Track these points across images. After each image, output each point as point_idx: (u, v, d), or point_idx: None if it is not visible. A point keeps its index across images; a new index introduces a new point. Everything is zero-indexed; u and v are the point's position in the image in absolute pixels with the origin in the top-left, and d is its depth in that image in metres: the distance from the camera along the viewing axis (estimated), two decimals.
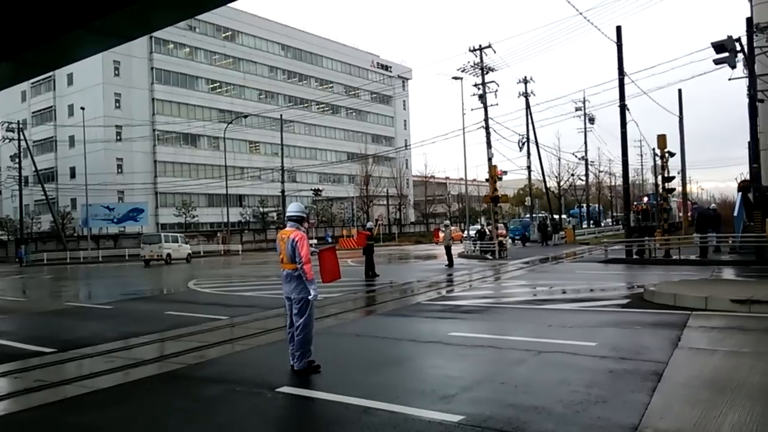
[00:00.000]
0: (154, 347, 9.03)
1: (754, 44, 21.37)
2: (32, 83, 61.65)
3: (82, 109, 49.52)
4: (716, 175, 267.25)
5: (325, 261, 7.25)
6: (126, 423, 5.35)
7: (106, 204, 53.75)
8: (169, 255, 35.79)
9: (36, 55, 10.30)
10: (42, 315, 13.66)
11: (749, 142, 22.50)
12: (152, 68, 62.67)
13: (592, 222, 64.27)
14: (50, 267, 38.66)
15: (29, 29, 9.11)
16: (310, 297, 6.63)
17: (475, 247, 31.38)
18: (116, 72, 59.39)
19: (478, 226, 39.89)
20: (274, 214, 64.25)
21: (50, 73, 55.79)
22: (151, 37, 59.66)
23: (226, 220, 54.46)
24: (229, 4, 9.82)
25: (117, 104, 59.70)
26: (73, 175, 58.29)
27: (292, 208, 7.03)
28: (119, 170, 59.94)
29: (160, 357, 8.27)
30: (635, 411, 4.93)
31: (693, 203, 56.58)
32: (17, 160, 47.37)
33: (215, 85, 68.99)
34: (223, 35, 69.36)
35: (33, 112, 65.55)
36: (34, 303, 16.51)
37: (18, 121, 49.51)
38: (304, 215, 7.14)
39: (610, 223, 70.40)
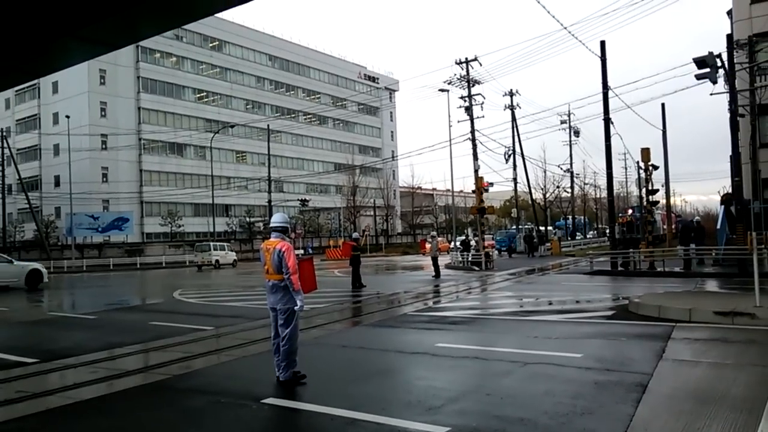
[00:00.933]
0: (138, 358, 8.95)
1: (735, 60, 21.73)
2: (16, 91, 61.18)
3: (67, 117, 49.12)
4: (699, 189, 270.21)
5: (303, 272, 7.25)
6: None
7: (91, 213, 53.31)
8: (217, 261, 40.00)
9: (21, 63, 10.23)
10: (24, 325, 13.47)
11: (731, 156, 22.82)
12: (138, 77, 62.47)
13: (578, 234, 64.68)
14: None
15: (14, 37, 9.05)
16: (296, 307, 6.62)
17: (462, 258, 31.47)
18: (102, 80, 59.13)
19: (464, 237, 39.92)
20: (261, 224, 64.01)
21: (35, 81, 55.42)
22: (137, 46, 59.55)
23: (212, 229, 54.15)
24: (217, 14, 9.84)
25: (102, 113, 59.38)
26: (57, 183, 57.77)
27: (276, 219, 7.02)
28: (104, 179, 59.52)
29: (145, 368, 8.20)
30: (620, 422, 4.96)
31: (677, 216, 57.12)
32: (0, 168, 46.88)
33: (202, 94, 68.87)
34: (211, 45, 69.34)
35: (17, 120, 64.96)
36: (16, 312, 16.26)
37: (2, 129, 49.00)
38: (288, 225, 7.12)
39: (595, 235, 70.85)
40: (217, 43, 69.72)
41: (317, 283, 7.56)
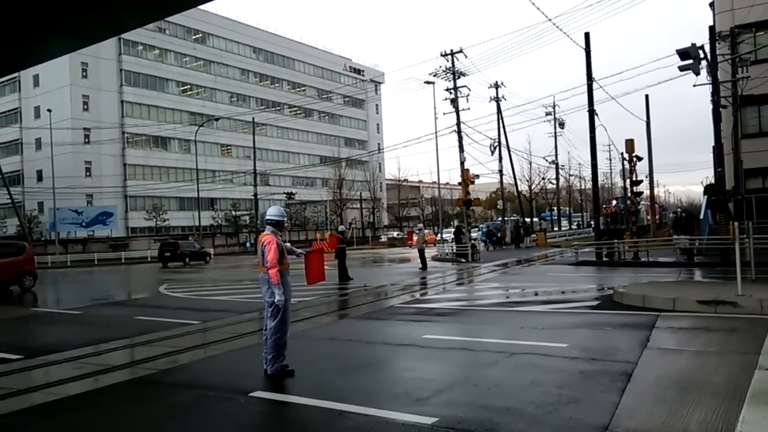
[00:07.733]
0: (124, 353, 8.90)
1: (717, 52, 21.88)
2: None
3: (49, 111, 48.51)
4: (680, 179, 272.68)
5: (311, 263, 7.29)
6: (95, 430, 5.27)
7: (75, 208, 52.72)
8: None
9: (2, 56, 10.09)
10: (7, 321, 13.34)
11: (714, 147, 23.02)
12: (121, 70, 61.74)
13: (564, 225, 65.03)
14: None
15: None
16: (275, 301, 6.58)
17: (451, 249, 31.56)
18: (84, 74, 58.36)
19: (454, 228, 40.05)
20: (247, 218, 63.71)
21: (15, 75, 54.58)
22: (119, 39, 58.76)
23: (197, 223, 53.82)
24: (199, 6, 9.75)
25: (85, 106, 58.64)
26: (40, 178, 57.07)
27: (271, 212, 6.94)
28: (88, 173, 58.88)
29: (131, 363, 8.16)
30: (606, 411, 5.01)
31: (661, 206, 57.66)
32: None
33: (186, 87, 68.23)
34: (194, 37, 68.66)
35: None
36: None
37: None
38: (282, 219, 7.00)
39: (576, 227, 71.22)
40: (200, 35, 69.05)
41: (325, 274, 7.62)
